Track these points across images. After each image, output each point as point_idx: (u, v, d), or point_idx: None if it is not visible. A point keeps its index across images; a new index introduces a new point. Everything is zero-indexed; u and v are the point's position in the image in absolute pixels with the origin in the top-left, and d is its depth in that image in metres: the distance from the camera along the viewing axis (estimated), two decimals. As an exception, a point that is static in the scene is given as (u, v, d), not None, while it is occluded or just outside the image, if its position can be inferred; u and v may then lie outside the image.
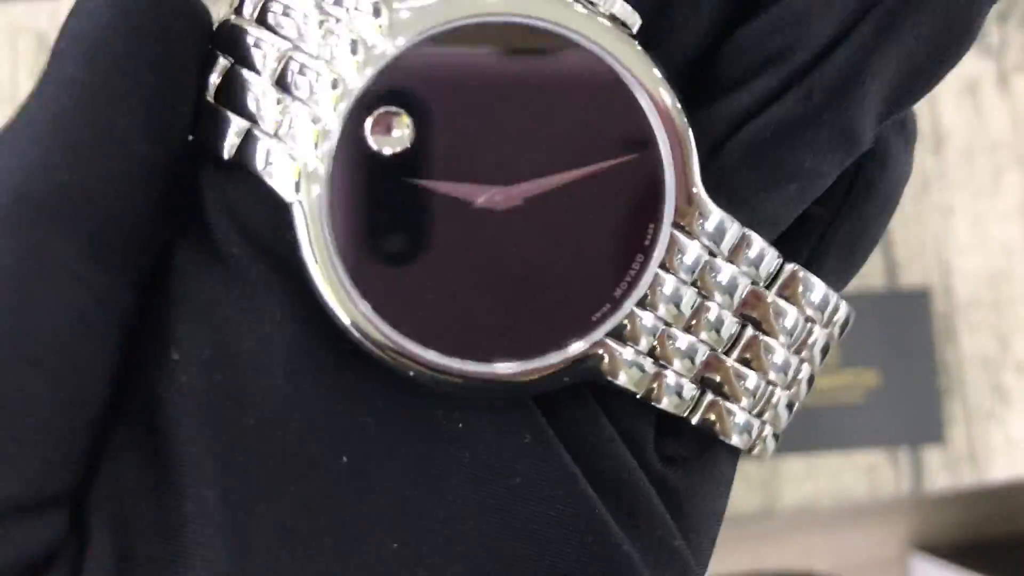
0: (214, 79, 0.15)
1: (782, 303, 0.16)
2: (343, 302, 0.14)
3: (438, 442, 0.15)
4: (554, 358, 0.14)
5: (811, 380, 0.18)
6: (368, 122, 0.13)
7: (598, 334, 0.15)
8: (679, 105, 0.14)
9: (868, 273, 0.51)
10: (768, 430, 0.17)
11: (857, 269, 0.18)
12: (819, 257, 0.17)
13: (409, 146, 0.13)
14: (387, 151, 0.13)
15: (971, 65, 0.53)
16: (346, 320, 0.14)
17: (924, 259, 0.52)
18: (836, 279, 0.17)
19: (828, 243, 0.17)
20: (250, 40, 0.14)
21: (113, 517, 0.14)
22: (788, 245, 0.17)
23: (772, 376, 0.16)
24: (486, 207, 0.14)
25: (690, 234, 0.15)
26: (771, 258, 0.16)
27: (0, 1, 0.49)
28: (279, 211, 0.14)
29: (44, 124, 0.13)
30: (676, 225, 0.15)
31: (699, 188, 0.15)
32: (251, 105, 0.14)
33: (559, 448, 0.15)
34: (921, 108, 0.52)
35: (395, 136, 0.13)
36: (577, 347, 0.15)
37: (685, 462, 0.17)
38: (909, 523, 0.74)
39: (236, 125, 0.14)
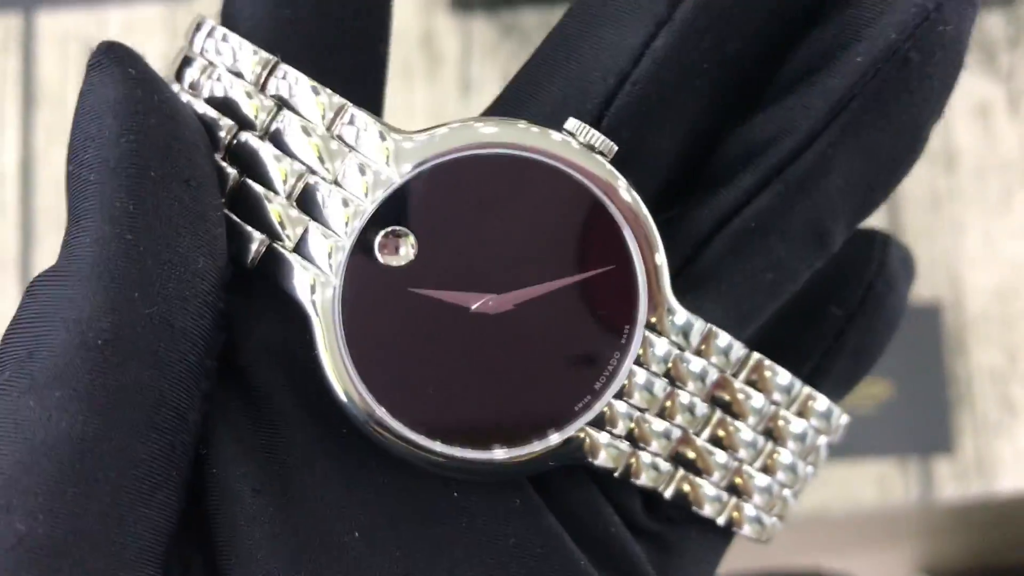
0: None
1: (749, 388, 0.18)
2: (356, 399, 0.15)
3: (438, 513, 0.16)
4: (537, 446, 0.16)
5: (793, 467, 0.19)
6: (377, 239, 0.15)
7: (578, 424, 0.16)
8: (651, 221, 0.16)
9: (880, 286, 0.53)
10: (751, 510, 0.19)
11: (860, 379, 0.20)
12: (833, 356, 0.19)
13: (413, 259, 0.15)
14: (393, 264, 0.15)
15: (982, 88, 0.54)
16: (360, 416, 0.15)
17: (936, 274, 0.53)
18: (843, 383, 0.20)
19: (842, 344, 0.19)
20: (265, 158, 0.15)
21: None
22: (808, 341, 0.19)
23: (742, 453, 0.18)
24: (481, 312, 0.15)
25: (660, 333, 0.17)
26: (737, 348, 0.17)
27: (50, 10, 0.52)
28: (293, 316, 0.15)
29: (108, 260, 0.13)
30: (648, 325, 0.16)
31: (668, 292, 0.16)
32: (270, 221, 0.15)
33: (546, 511, 0.17)
34: (935, 129, 0.54)
35: (400, 252, 0.15)
36: (556, 437, 0.16)
37: (669, 530, 0.19)
38: (918, 546, 0.74)
39: (256, 239, 0.15)
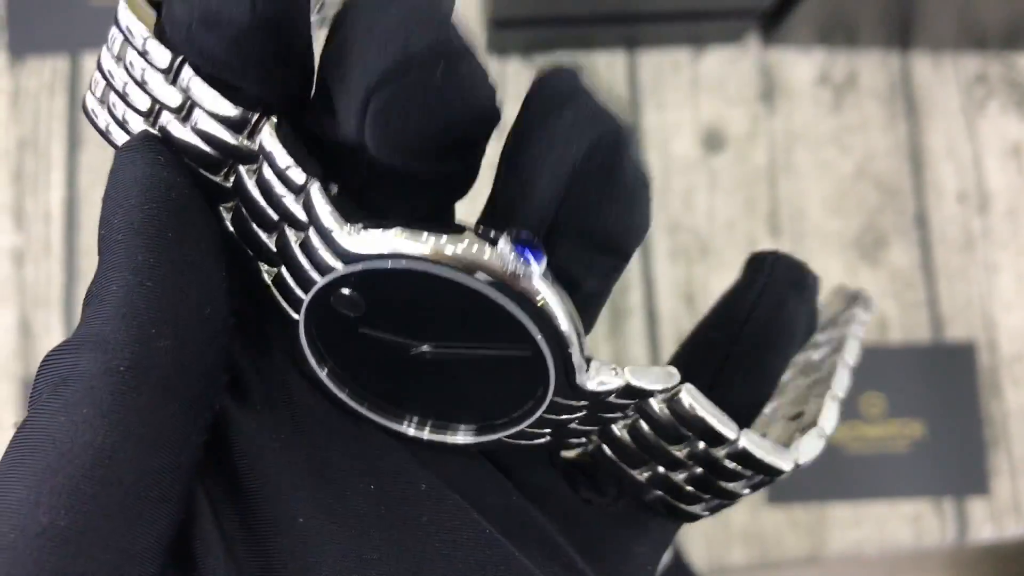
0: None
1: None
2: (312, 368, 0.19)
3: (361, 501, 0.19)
4: (447, 437, 0.19)
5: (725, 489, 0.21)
6: (332, 297, 0.17)
7: (495, 436, 0.19)
8: (563, 316, 0.17)
9: (915, 327, 0.53)
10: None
11: (769, 386, 0.21)
12: (726, 372, 0.21)
13: (363, 312, 0.17)
14: (346, 313, 0.17)
15: (1015, 129, 0.55)
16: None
17: (969, 315, 0.53)
18: (750, 391, 0.21)
19: (733, 361, 0.21)
20: (256, 198, 0.17)
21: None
22: (696, 369, 0.20)
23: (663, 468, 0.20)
24: (419, 353, 0.18)
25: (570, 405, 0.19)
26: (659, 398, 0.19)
27: (96, 52, 0.53)
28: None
29: (132, 303, 0.16)
30: (558, 394, 0.18)
31: (580, 377, 0.18)
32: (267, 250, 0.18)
33: (451, 492, 0.19)
34: (967, 171, 0.54)
35: (352, 306, 0.17)
36: (462, 439, 0.20)
37: (601, 506, 0.21)
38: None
39: (263, 269, 0.18)
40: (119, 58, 0.17)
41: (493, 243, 0.16)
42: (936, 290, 0.53)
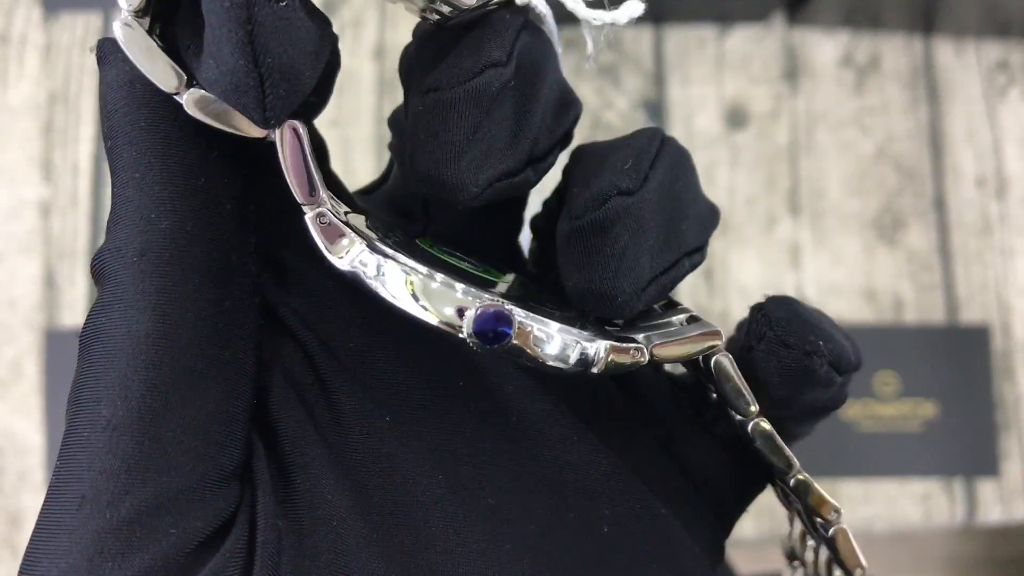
0: None
1: None
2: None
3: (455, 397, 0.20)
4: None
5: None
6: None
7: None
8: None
9: (930, 309, 0.53)
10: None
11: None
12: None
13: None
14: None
15: (1035, 117, 0.55)
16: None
17: (985, 298, 0.54)
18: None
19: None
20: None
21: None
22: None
23: None
24: None
25: None
26: None
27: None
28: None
29: (136, 198, 0.17)
30: None
31: None
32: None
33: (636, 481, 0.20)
34: (987, 156, 0.55)
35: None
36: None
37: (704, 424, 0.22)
38: (955, 565, 0.74)
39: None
40: None
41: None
42: (952, 273, 0.54)
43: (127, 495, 0.15)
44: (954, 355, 0.53)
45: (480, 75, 0.16)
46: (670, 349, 0.18)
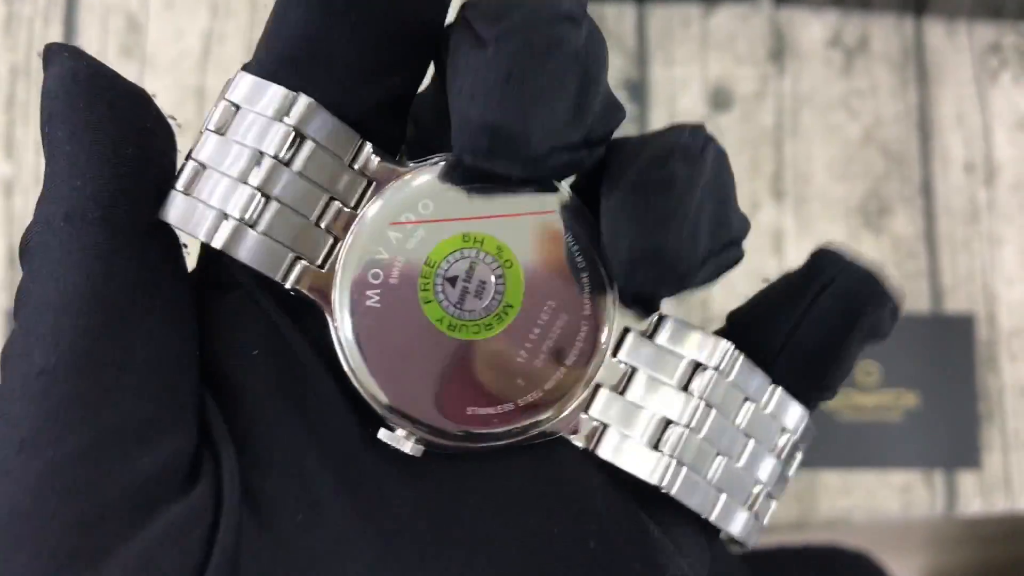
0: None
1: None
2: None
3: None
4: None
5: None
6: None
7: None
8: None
9: (914, 297, 0.52)
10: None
11: (823, 385, 0.21)
12: (780, 364, 0.21)
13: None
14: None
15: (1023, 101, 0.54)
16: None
17: (970, 287, 0.53)
18: (802, 390, 0.21)
19: (789, 351, 0.20)
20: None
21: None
22: (754, 353, 0.20)
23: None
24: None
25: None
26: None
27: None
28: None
29: (66, 168, 0.17)
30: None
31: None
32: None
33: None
34: (976, 141, 0.53)
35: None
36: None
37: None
38: (932, 557, 0.74)
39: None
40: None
41: None
42: (938, 260, 0.53)
43: (69, 435, 0.15)
44: (938, 344, 0.52)
45: (560, 24, 0.16)
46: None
